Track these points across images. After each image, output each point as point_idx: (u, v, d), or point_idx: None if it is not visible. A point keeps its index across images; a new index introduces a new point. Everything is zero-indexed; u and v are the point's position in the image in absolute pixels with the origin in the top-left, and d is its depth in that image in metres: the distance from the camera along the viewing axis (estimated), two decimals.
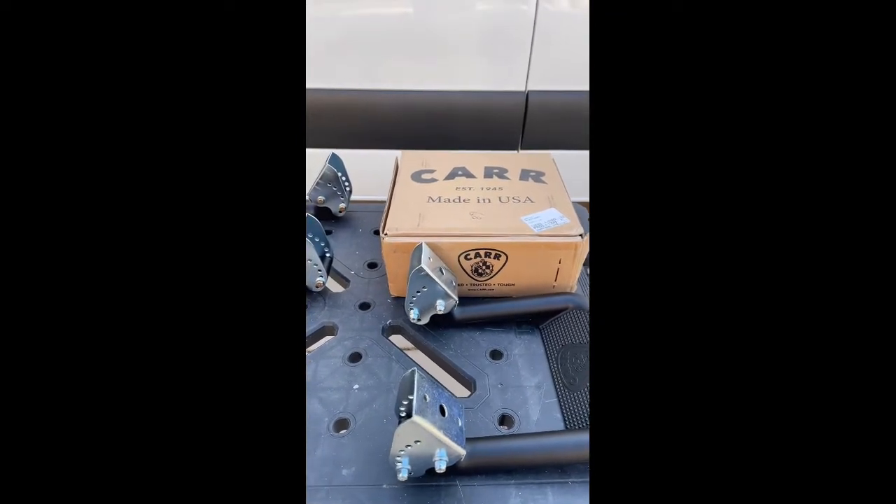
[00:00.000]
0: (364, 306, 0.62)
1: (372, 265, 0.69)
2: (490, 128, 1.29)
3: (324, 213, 0.76)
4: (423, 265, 0.51)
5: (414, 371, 0.39)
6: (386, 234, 0.57)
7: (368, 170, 1.04)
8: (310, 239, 0.57)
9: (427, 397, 0.37)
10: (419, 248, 0.55)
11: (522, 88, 1.24)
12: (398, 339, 0.59)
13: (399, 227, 0.58)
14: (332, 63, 1.20)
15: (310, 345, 0.58)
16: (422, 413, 0.35)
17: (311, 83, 1.21)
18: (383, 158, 1.18)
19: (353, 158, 1.30)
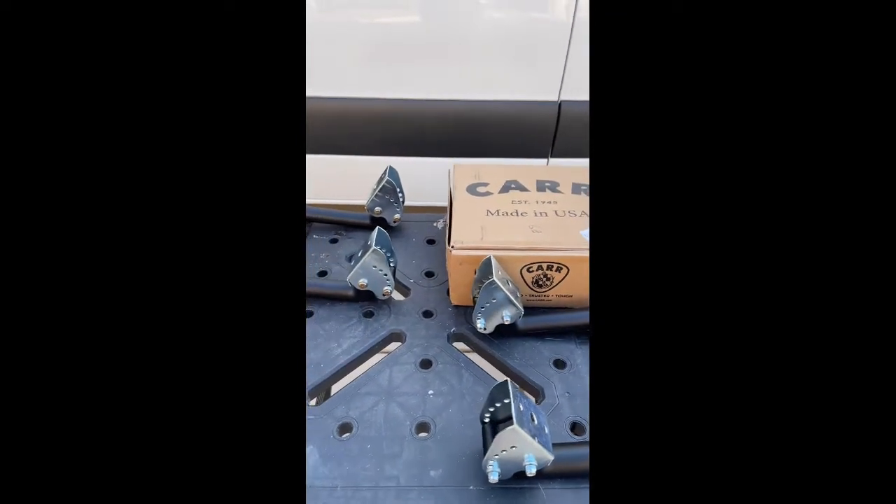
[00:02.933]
0: (427, 314, 0.64)
1: (429, 274, 0.72)
2: (521, 136, 1.31)
3: (379, 223, 0.79)
4: (496, 278, 0.54)
5: (507, 381, 0.42)
6: (453, 247, 0.60)
7: (404, 176, 1.08)
8: (378, 250, 0.60)
9: (521, 406, 0.40)
10: (488, 261, 0.57)
11: (555, 98, 1.26)
12: (460, 347, 0.62)
13: (464, 240, 0.61)
14: (368, 73, 1.23)
15: (379, 350, 0.61)
16: (520, 422, 0.38)
17: (347, 93, 1.24)
18: (418, 166, 1.21)
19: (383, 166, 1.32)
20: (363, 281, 0.62)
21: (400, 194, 0.78)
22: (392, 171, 0.77)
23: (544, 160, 1.36)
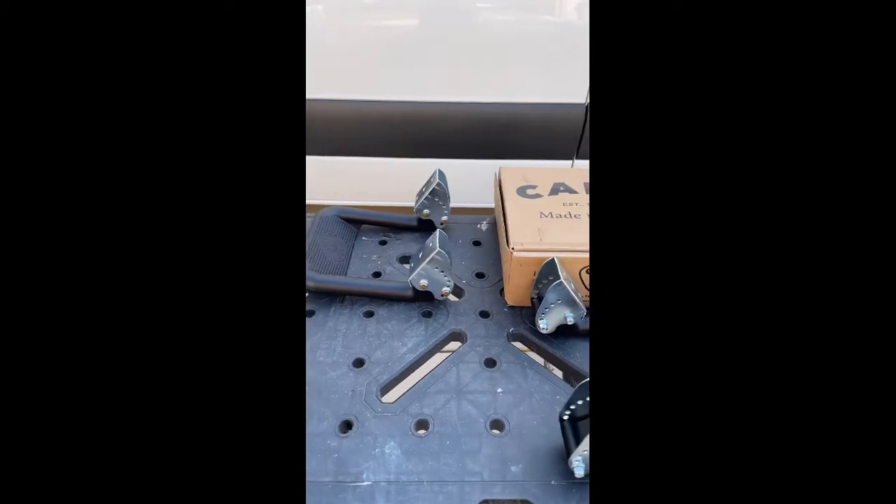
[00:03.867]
0: (484, 314, 0.66)
1: (479, 275, 0.73)
2: (546, 138, 1.33)
3: (427, 225, 0.81)
4: (563, 279, 0.55)
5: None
6: (514, 249, 0.62)
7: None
8: (443, 252, 0.61)
9: None
10: (551, 262, 0.59)
11: (583, 101, 1.28)
12: (519, 347, 0.63)
13: (523, 242, 0.62)
14: (392, 76, 1.24)
15: (441, 348, 0.63)
16: None
17: (374, 96, 1.26)
18: (448, 168, 1.22)
19: (419, 168, 1.34)
20: (424, 282, 0.64)
21: (448, 197, 0.80)
22: (441, 175, 0.79)
23: (568, 162, 1.38)
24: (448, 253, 0.65)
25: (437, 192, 0.77)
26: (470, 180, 1.15)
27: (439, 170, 0.79)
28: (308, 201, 1.33)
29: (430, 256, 0.61)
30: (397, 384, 0.58)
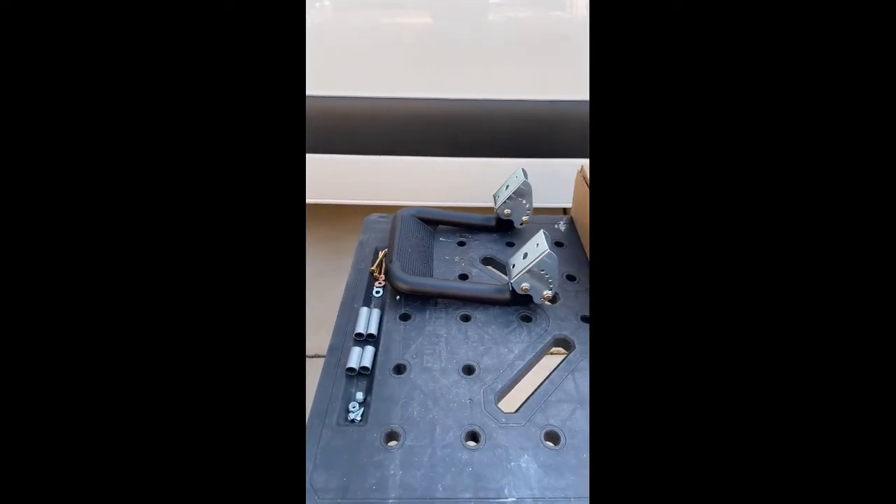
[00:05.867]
0: (586, 319, 0.63)
1: (570, 277, 0.71)
2: (572, 137, 1.31)
3: (506, 225, 0.78)
4: None
5: None
6: None
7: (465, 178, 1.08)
8: (553, 254, 0.59)
9: None
10: None
11: None
12: None
13: None
14: (415, 74, 1.22)
15: (545, 353, 0.60)
16: None
17: (417, 93, 1.24)
18: (483, 166, 1.20)
19: (447, 166, 1.31)
20: (526, 285, 0.61)
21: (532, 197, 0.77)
22: (525, 173, 0.76)
23: None
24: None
25: (521, 192, 0.75)
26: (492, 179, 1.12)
27: (522, 168, 0.77)
28: (359, 202, 1.30)
29: (539, 258, 0.58)
30: (509, 391, 0.55)
